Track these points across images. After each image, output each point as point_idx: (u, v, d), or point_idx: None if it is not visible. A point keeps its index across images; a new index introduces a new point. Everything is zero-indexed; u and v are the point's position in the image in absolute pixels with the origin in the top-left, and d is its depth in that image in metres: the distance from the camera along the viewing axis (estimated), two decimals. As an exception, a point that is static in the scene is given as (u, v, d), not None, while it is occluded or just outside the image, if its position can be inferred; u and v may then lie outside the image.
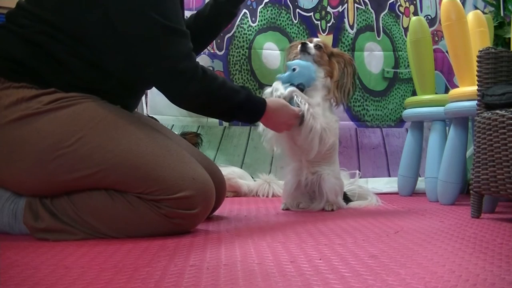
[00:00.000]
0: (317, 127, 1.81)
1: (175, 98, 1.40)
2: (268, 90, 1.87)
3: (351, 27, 3.01)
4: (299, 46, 1.95)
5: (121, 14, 1.29)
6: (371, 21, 3.03)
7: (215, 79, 1.39)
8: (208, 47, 2.85)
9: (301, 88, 1.84)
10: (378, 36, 3.03)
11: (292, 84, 1.83)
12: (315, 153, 1.85)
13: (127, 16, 1.29)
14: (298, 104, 1.77)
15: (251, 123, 1.62)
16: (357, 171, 2.34)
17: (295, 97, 1.79)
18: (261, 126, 1.84)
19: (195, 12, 1.74)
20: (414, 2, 3.07)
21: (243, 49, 2.89)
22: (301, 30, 2.97)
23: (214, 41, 2.86)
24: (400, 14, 3.06)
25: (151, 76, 1.37)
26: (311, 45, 1.94)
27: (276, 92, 1.81)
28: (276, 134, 1.83)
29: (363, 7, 3.03)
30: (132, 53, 1.32)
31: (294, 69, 1.86)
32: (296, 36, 2.94)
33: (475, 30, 2.18)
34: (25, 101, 1.25)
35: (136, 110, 1.62)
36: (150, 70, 1.34)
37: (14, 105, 1.25)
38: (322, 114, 1.87)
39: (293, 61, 1.91)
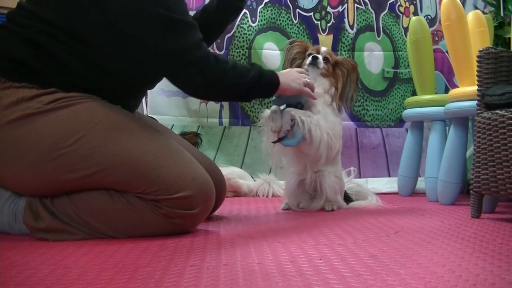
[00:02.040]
0: (324, 135, 1.83)
1: (191, 89, 1.43)
2: (266, 113, 1.84)
3: (351, 27, 3.01)
4: (309, 59, 1.95)
5: (123, 13, 1.28)
6: (371, 21, 3.03)
7: (227, 63, 1.41)
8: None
9: (301, 106, 1.83)
10: (378, 36, 3.03)
11: (289, 105, 1.81)
12: (324, 160, 1.87)
13: (130, 15, 1.29)
14: (301, 124, 1.76)
15: (269, 97, 1.69)
16: (352, 168, 2.32)
17: (296, 117, 1.77)
18: (264, 141, 1.88)
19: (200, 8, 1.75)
20: (414, 2, 3.07)
21: (243, 49, 2.89)
22: (301, 30, 2.97)
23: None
24: (400, 14, 3.06)
25: (164, 71, 1.38)
26: (321, 59, 1.95)
27: (276, 122, 1.78)
28: (281, 148, 1.84)
29: (363, 7, 3.03)
30: (139, 51, 1.32)
31: None
32: (296, 36, 2.94)
33: (475, 30, 2.18)
34: (25, 101, 1.25)
35: (136, 110, 1.61)
36: (162, 66, 1.35)
37: (15, 105, 1.25)
38: (325, 120, 1.89)
39: None
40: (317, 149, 1.83)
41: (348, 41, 2.98)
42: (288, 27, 2.95)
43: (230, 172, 2.55)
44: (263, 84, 1.52)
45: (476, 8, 2.94)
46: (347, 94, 1.98)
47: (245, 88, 1.48)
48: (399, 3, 3.06)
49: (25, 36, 1.28)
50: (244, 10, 2.89)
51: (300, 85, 1.68)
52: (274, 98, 1.86)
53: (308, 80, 1.72)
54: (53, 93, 1.27)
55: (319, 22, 2.99)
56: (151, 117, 2.11)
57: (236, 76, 1.44)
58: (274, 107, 1.83)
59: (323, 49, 2.02)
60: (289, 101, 1.83)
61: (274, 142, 1.83)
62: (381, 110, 3.02)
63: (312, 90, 1.75)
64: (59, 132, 1.25)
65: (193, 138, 2.30)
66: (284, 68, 2.07)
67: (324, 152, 1.85)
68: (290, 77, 1.66)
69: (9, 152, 1.26)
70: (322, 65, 1.95)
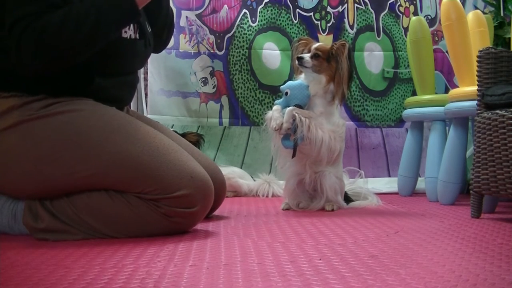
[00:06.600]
0: (326, 137, 1.84)
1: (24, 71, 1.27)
2: (268, 114, 1.88)
3: (351, 27, 3.01)
4: (296, 62, 1.93)
5: None
6: (371, 21, 3.03)
7: (48, 28, 1.20)
8: (208, 47, 2.86)
9: (300, 107, 1.86)
10: (378, 36, 3.03)
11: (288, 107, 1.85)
12: (325, 162, 1.88)
13: None
14: (299, 123, 1.79)
15: (135, 18, 1.37)
16: (360, 171, 2.34)
17: (297, 115, 1.80)
18: (272, 147, 1.91)
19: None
20: (414, 2, 3.07)
21: (243, 49, 2.89)
22: (301, 30, 2.97)
23: (214, 41, 2.86)
24: (400, 14, 3.06)
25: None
26: (307, 58, 1.91)
27: (276, 121, 1.81)
28: (287, 150, 1.86)
29: (363, 7, 3.03)
30: None
31: (286, 93, 1.88)
32: (296, 36, 2.94)
33: (475, 30, 2.18)
34: (16, 109, 1.26)
35: (136, 110, 1.61)
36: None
37: (5, 114, 1.26)
38: (327, 122, 1.89)
39: (285, 85, 1.93)
40: (318, 150, 1.84)
41: (348, 41, 2.98)
42: (288, 27, 2.95)
43: (230, 172, 2.55)
44: (116, 18, 1.28)
45: (476, 8, 2.94)
46: (341, 74, 1.88)
47: (96, 30, 1.25)
48: (399, 3, 3.06)
49: (3, 47, 1.26)
50: (244, 10, 2.89)
51: None
52: (277, 101, 1.92)
53: None
54: (43, 99, 1.28)
55: (319, 22, 2.99)
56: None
57: (71, 32, 1.22)
58: (276, 106, 1.87)
59: (314, 46, 1.97)
60: (288, 104, 1.86)
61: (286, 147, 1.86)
62: (381, 110, 3.02)
63: None
64: (54, 136, 1.25)
65: (193, 137, 2.30)
66: (292, 67, 2.09)
67: (325, 153, 1.85)
68: None
69: (5, 159, 1.27)
70: (310, 64, 1.91)
